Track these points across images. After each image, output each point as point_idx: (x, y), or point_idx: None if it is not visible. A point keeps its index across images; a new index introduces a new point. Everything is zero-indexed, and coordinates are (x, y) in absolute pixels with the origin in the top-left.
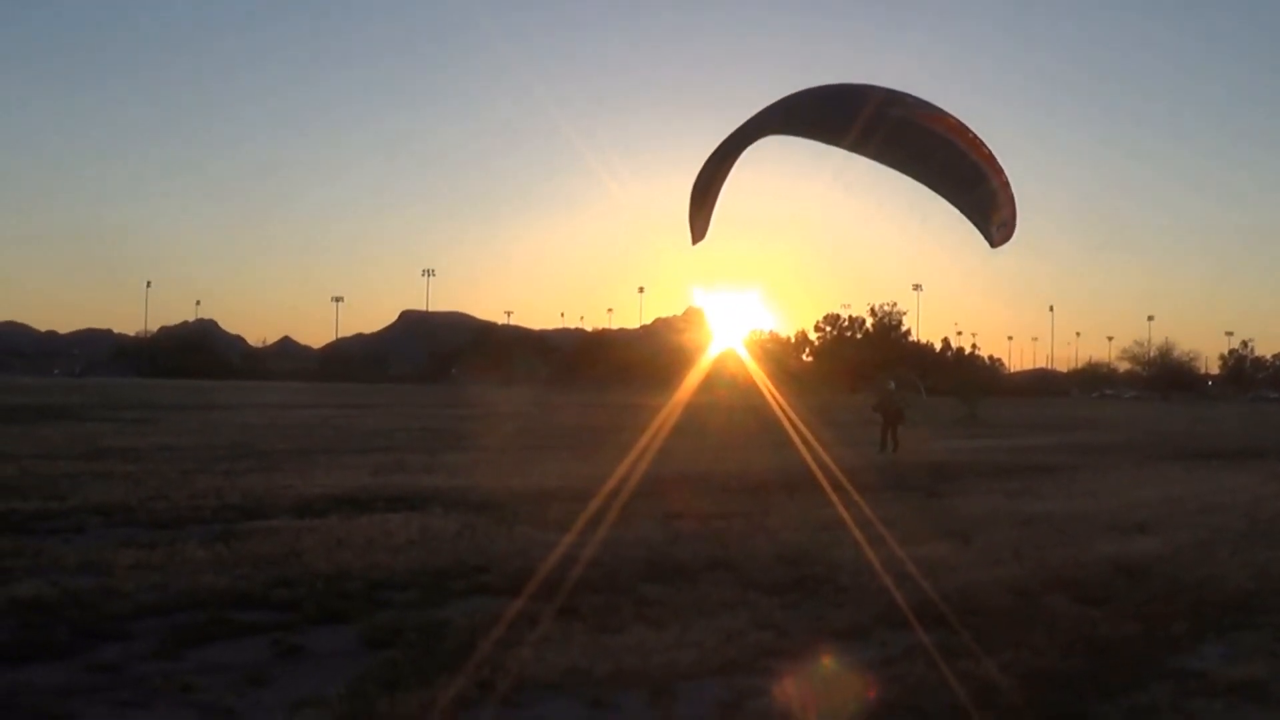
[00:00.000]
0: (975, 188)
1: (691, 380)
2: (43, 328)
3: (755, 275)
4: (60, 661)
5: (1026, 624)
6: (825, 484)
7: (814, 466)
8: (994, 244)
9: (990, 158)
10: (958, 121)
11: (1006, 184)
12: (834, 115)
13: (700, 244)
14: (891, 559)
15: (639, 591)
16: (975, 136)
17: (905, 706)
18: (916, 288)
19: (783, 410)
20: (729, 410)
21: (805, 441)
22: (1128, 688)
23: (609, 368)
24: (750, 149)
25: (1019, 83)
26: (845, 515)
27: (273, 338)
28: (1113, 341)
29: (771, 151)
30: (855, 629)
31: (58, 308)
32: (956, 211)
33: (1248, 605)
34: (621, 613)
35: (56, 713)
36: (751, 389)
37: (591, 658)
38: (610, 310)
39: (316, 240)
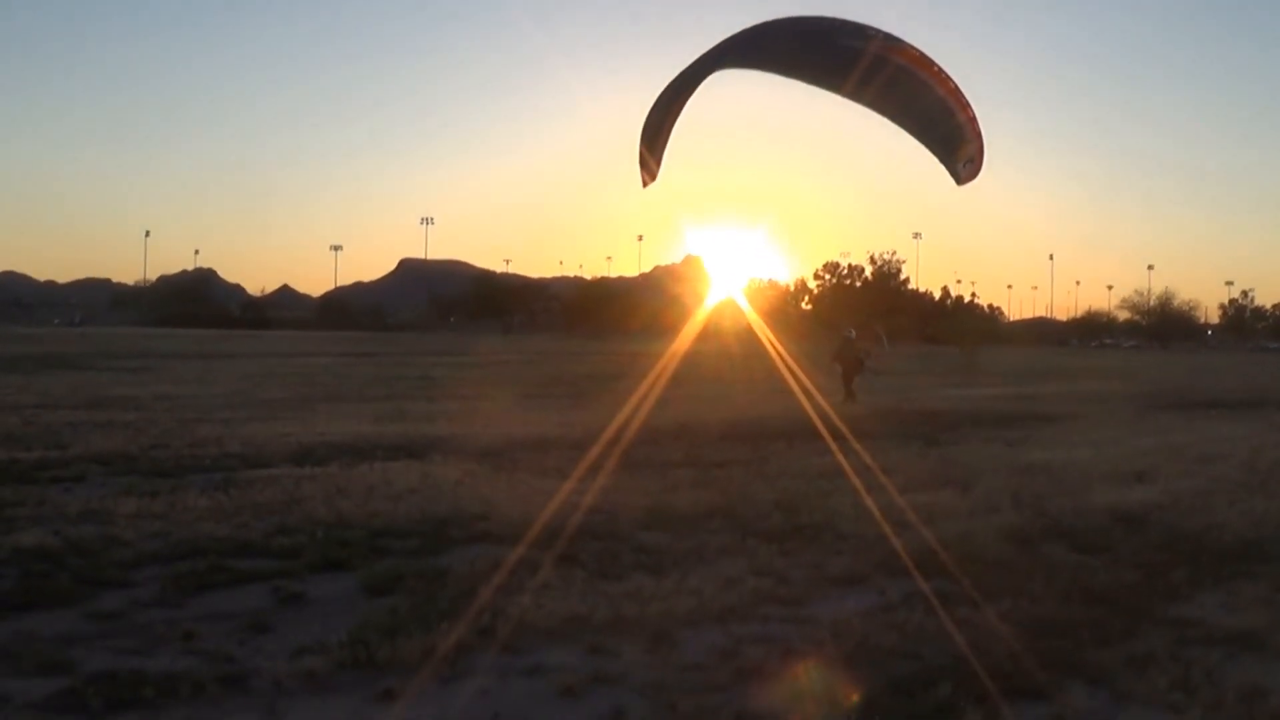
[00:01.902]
0: (941, 123)
1: (690, 328)
2: (42, 277)
3: (755, 223)
4: (62, 609)
5: (1025, 572)
6: (824, 432)
7: (813, 414)
8: (960, 181)
9: (956, 92)
10: (921, 54)
11: (974, 119)
12: (796, 49)
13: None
14: (890, 507)
15: (638, 539)
16: (940, 70)
17: (904, 654)
18: (916, 236)
19: (781, 358)
20: (728, 358)
21: (804, 389)
22: (1126, 636)
23: (608, 316)
24: (752, 95)
25: (1019, 30)
26: (844, 463)
27: (272, 286)
28: (1112, 290)
29: (770, 99)
30: (854, 576)
31: (56, 257)
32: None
33: (1246, 554)
34: (621, 560)
35: (59, 660)
36: (750, 337)
37: (591, 605)
38: (609, 258)
39: (315, 189)
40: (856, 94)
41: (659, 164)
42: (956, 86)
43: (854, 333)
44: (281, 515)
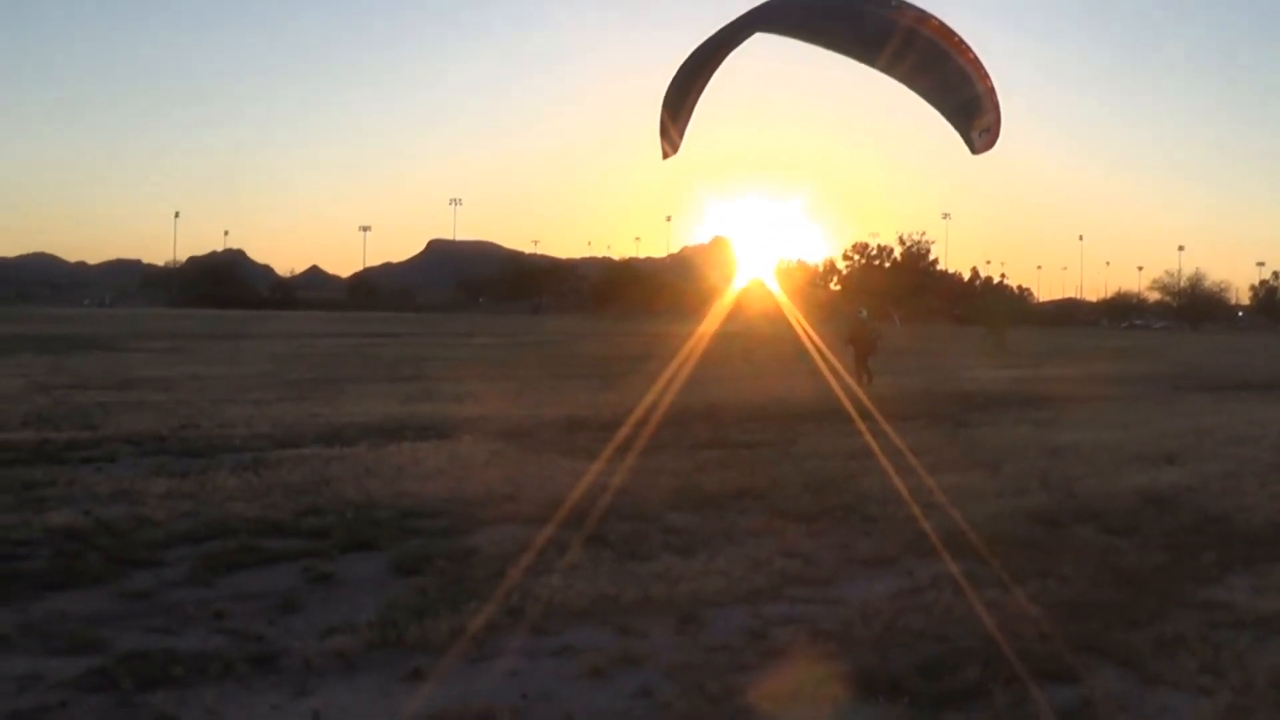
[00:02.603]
0: (958, 91)
1: (719, 309)
2: (72, 259)
3: (783, 204)
4: (93, 589)
5: (1053, 554)
6: (853, 413)
7: (842, 395)
8: (975, 150)
9: (976, 62)
10: (943, 24)
11: (992, 90)
12: (817, 14)
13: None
14: (919, 488)
15: (666, 520)
16: (961, 40)
17: (932, 636)
18: (945, 216)
19: (810, 339)
20: (756, 339)
21: (833, 370)
22: (1155, 618)
23: (636, 297)
24: (783, 75)
25: (1049, 9)
26: (873, 444)
27: (301, 267)
28: (1142, 271)
29: (801, 79)
30: (882, 557)
31: (87, 239)
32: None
33: (1276, 537)
34: (649, 541)
35: (90, 639)
36: (779, 318)
37: (619, 585)
38: (638, 239)
39: (344, 170)
40: (874, 59)
41: (681, 135)
42: (976, 57)
43: (866, 313)
44: (311, 495)
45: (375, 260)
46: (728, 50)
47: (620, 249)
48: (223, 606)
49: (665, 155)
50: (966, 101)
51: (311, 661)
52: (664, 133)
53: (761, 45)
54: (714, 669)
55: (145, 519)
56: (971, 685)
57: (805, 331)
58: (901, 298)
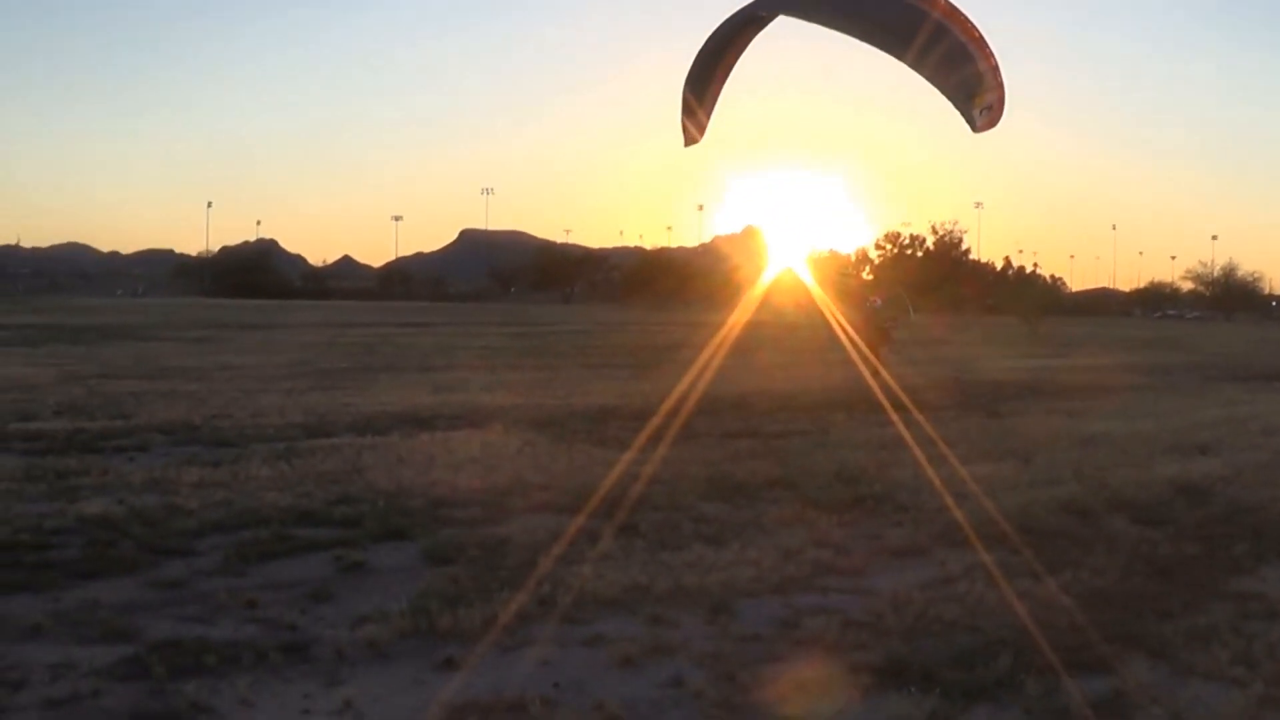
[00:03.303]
0: (960, 69)
1: (750, 298)
2: (105, 249)
3: (815, 193)
4: (126, 578)
5: (1086, 544)
6: (885, 402)
7: (874, 385)
8: (976, 129)
9: (980, 40)
10: (948, 2)
11: (996, 68)
12: None
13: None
14: (951, 478)
15: (698, 509)
16: (966, 18)
17: (964, 626)
18: (978, 205)
19: (842, 328)
20: (788, 328)
21: (865, 359)
22: (1187, 609)
23: (668, 286)
24: (816, 62)
25: None
26: (905, 434)
27: (333, 257)
28: (1176, 261)
29: (833, 65)
30: (914, 548)
31: (120, 229)
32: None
33: None
34: (680, 530)
35: (123, 628)
36: (811, 307)
37: (651, 575)
38: (670, 228)
39: (376, 160)
40: (876, 38)
41: (704, 124)
42: (981, 35)
43: (879, 301)
44: (343, 484)
45: (407, 250)
46: (739, 39)
47: (652, 238)
48: (255, 595)
49: (688, 143)
50: (967, 79)
51: (343, 650)
52: (686, 121)
53: (791, 38)
54: (745, 659)
55: (178, 508)
56: (1003, 676)
57: (837, 321)
58: (934, 287)
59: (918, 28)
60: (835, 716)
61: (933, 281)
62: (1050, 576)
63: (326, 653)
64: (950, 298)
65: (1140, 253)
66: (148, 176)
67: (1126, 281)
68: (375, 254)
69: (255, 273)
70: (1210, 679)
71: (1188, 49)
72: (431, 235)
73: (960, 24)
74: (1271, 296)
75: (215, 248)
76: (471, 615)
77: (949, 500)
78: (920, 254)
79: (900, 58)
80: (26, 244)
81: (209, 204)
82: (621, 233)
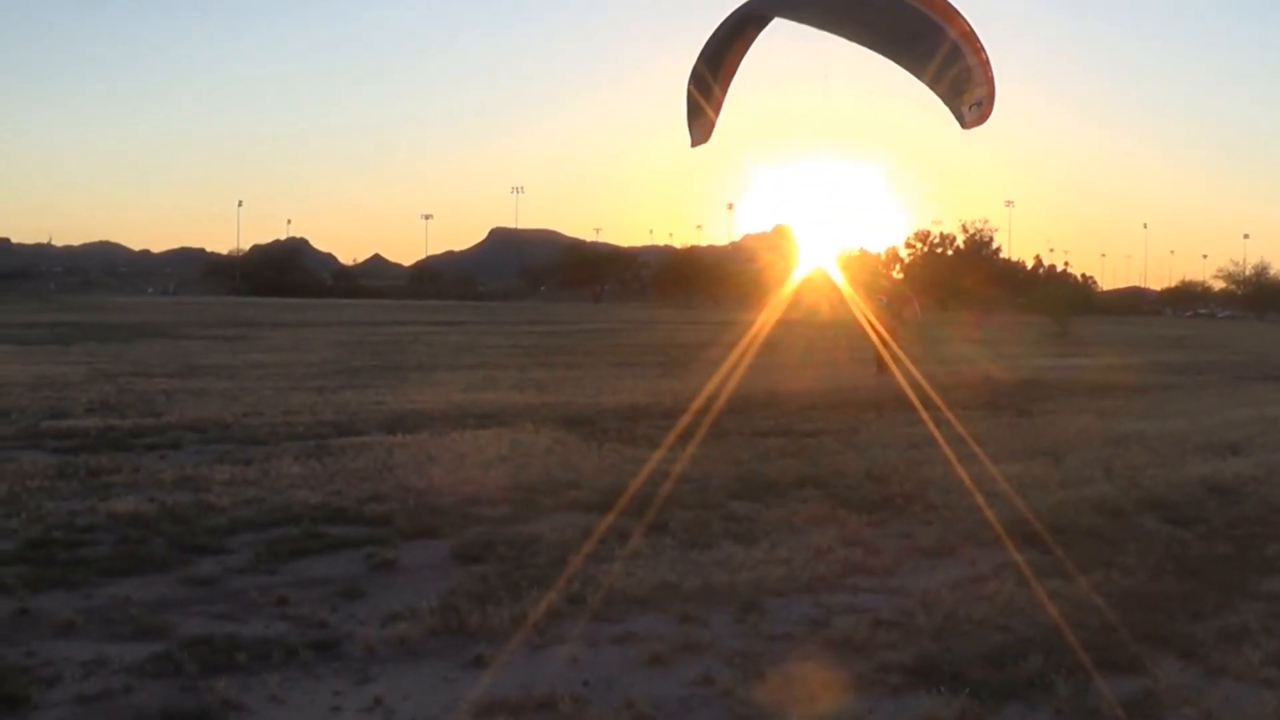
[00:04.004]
0: (949, 65)
1: (781, 297)
2: (136, 247)
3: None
4: (158, 575)
5: (1117, 544)
6: (915, 401)
7: (904, 383)
8: (966, 125)
9: (970, 34)
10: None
11: (986, 62)
12: None
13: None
14: (981, 477)
15: (728, 508)
16: (956, 11)
17: (994, 626)
18: (1009, 204)
19: (873, 327)
20: (818, 327)
21: (895, 358)
22: (1219, 610)
23: (698, 285)
24: (844, 58)
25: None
26: (935, 433)
27: (363, 255)
28: (1207, 259)
29: (863, 65)
30: (944, 547)
31: (151, 227)
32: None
33: None
34: (710, 529)
35: (155, 625)
36: (842, 306)
37: (680, 573)
38: (699, 227)
39: (407, 159)
40: (864, 37)
41: (710, 126)
42: (971, 29)
43: (886, 301)
44: (374, 482)
45: (437, 248)
46: (738, 39)
47: (682, 237)
48: (286, 593)
49: (695, 143)
50: (957, 75)
51: (374, 648)
52: (691, 122)
53: (820, 35)
54: (775, 657)
55: (209, 506)
56: (1034, 676)
57: (868, 320)
58: (963, 286)
59: (907, 25)
60: (863, 716)
61: (963, 280)
62: (1081, 576)
63: (357, 650)
64: (980, 297)
65: (1171, 251)
66: (179, 175)
67: (1158, 280)
68: (406, 252)
69: (286, 271)
70: (1241, 680)
71: (1221, 47)
72: (462, 234)
73: (951, 19)
74: None
75: (246, 246)
76: (501, 613)
77: (979, 499)
78: (950, 252)
79: (889, 55)
80: (58, 242)
81: (240, 203)
82: (651, 231)
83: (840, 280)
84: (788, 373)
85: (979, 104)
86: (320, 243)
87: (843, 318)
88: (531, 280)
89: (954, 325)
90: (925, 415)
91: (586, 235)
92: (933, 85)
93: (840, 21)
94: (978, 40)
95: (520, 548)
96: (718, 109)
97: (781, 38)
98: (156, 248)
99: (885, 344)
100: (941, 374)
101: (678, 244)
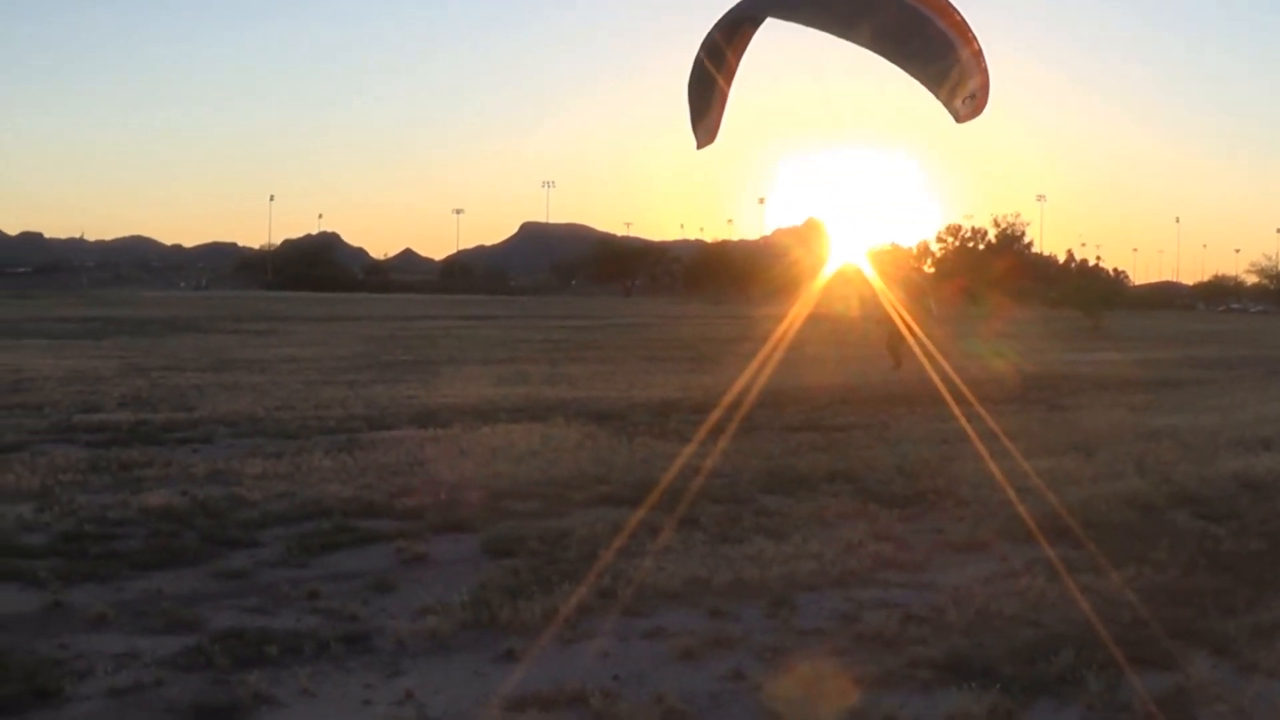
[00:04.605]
0: (941, 58)
1: (812, 292)
2: (169, 242)
3: (877, 185)
4: (190, 568)
5: (1149, 539)
6: (947, 396)
7: (936, 378)
8: (960, 119)
9: (961, 25)
10: None
11: (979, 53)
12: None
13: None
14: (1013, 472)
15: (759, 502)
16: (946, 3)
17: (1025, 621)
18: (1040, 198)
19: (905, 322)
20: (850, 322)
21: (927, 353)
22: (1251, 606)
23: (729, 279)
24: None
25: None
26: (967, 428)
27: (394, 250)
28: (1240, 254)
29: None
30: (975, 542)
31: (183, 222)
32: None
33: None
34: (741, 523)
35: (186, 618)
36: (873, 300)
37: (711, 568)
38: (730, 221)
39: (437, 153)
40: (851, 33)
41: (710, 130)
42: (963, 19)
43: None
44: (405, 476)
45: (468, 243)
46: (733, 41)
47: (713, 231)
48: (317, 586)
49: (698, 146)
50: (949, 68)
51: (405, 642)
52: (695, 124)
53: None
54: (806, 652)
55: (241, 499)
56: (1065, 671)
57: (900, 315)
58: (995, 281)
59: (898, 20)
60: (894, 711)
61: (994, 275)
62: (1112, 571)
63: (388, 644)
64: (1012, 291)
65: (1204, 246)
66: (210, 170)
67: (1190, 275)
68: (436, 247)
69: (317, 265)
70: (1274, 676)
71: (1252, 40)
72: (492, 228)
73: (942, 12)
74: None
75: (278, 241)
76: (532, 607)
77: (1011, 494)
78: (982, 247)
79: (881, 52)
80: (91, 237)
81: (271, 197)
82: (682, 226)
83: (872, 274)
84: (818, 367)
85: (973, 96)
86: (351, 237)
87: (874, 312)
88: (562, 275)
89: (985, 319)
90: (956, 410)
91: (617, 230)
92: (926, 81)
93: (830, 19)
94: (970, 31)
95: (551, 542)
96: (721, 110)
97: (811, 31)
98: (188, 242)
99: (892, 343)
100: (972, 368)
101: (709, 238)
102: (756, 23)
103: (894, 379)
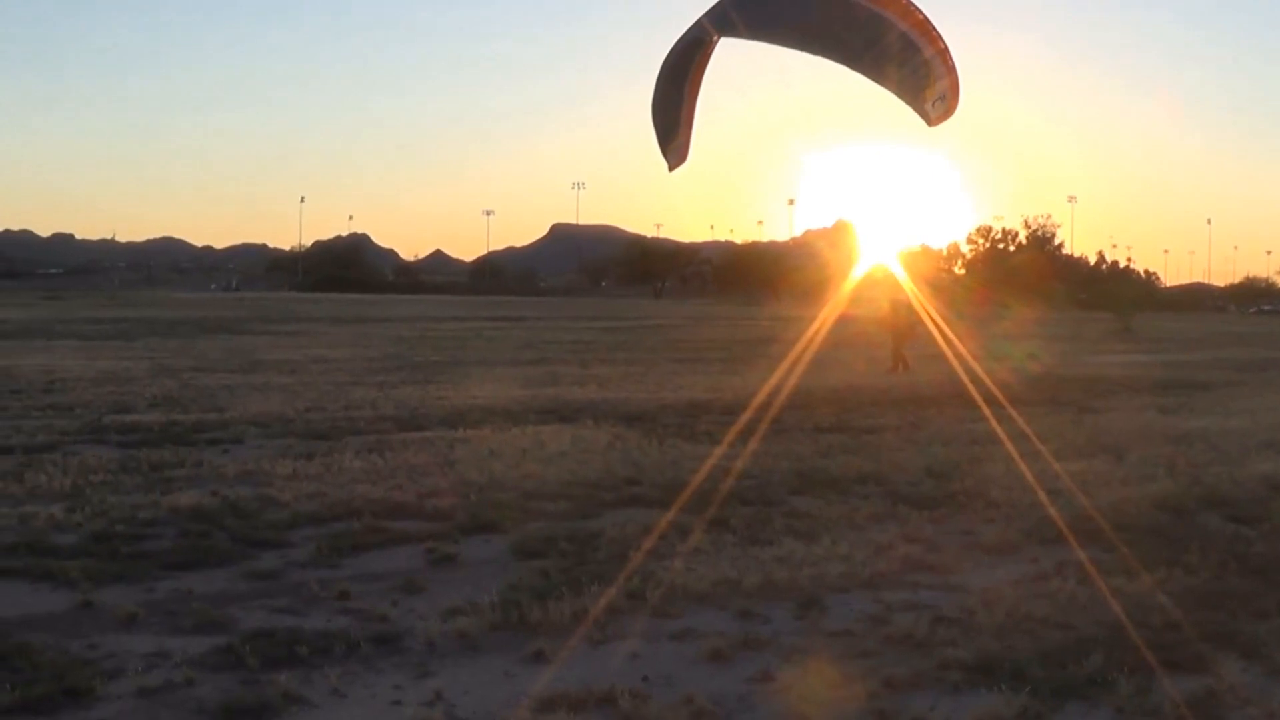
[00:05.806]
0: (905, 62)
1: (842, 293)
2: (199, 243)
3: (907, 187)
4: (220, 569)
5: (1179, 542)
6: (978, 398)
7: (966, 380)
8: (931, 122)
9: (923, 24)
10: None
11: (945, 50)
12: (754, 7)
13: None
14: (1043, 474)
15: (789, 504)
16: (906, 3)
17: (1055, 623)
18: (1071, 199)
19: (935, 324)
20: (880, 324)
21: (957, 355)
22: None
23: (759, 280)
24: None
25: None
26: (997, 429)
27: (424, 251)
28: (1271, 256)
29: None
30: (1005, 544)
31: (214, 223)
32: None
33: None
34: (771, 525)
35: (217, 618)
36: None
37: (741, 569)
38: (760, 222)
39: (468, 155)
40: (812, 45)
41: (679, 150)
42: (925, 18)
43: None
44: (434, 477)
45: (498, 244)
46: (694, 62)
47: (743, 232)
48: (347, 587)
49: (671, 168)
50: (914, 71)
51: (434, 642)
52: (663, 146)
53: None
54: (836, 654)
55: (271, 500)
56: (1095, 674)
57: (930, 317)
58: (1026, 282)
59: (854, 27)
60: (924, 713)
61: (1025, 276)
62: (1143, 574)
63: (417, 644)
64: (1043, 293)
65: (1235, 247)
66: (241, 171)
67: (1221, 277)
68: (467, 248)
69: (348, 267)
70: None
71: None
72: (522, 230)
73: (902, 13)
74: None
75: (308, 242)
76: (561, 608)
77: (1041, 496)
78: (1013, 248)
79: (843, 62)
80: (122, 239)
81: (302, 199)
82: (712, 227)
83: (902, 276)
84: (848, 369)
85: (942, 98)
86: (382, 239)
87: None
88: (592, 276)
89: (1015, 321)
90: (986, 411)
91: (647, 231)
92: (891, 86)
93: (787, 35)
94: (934, 29)
95: (581, 543)
96: (689, 129)
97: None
98: (219, 243)
99: (899, 343)
100: (1002, 370)
101: (739, 239)
102: (712, 44)
103: (927, 380)
